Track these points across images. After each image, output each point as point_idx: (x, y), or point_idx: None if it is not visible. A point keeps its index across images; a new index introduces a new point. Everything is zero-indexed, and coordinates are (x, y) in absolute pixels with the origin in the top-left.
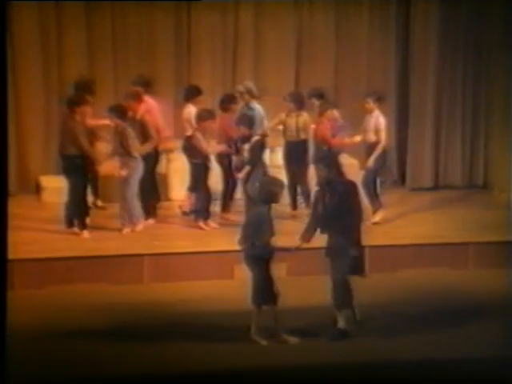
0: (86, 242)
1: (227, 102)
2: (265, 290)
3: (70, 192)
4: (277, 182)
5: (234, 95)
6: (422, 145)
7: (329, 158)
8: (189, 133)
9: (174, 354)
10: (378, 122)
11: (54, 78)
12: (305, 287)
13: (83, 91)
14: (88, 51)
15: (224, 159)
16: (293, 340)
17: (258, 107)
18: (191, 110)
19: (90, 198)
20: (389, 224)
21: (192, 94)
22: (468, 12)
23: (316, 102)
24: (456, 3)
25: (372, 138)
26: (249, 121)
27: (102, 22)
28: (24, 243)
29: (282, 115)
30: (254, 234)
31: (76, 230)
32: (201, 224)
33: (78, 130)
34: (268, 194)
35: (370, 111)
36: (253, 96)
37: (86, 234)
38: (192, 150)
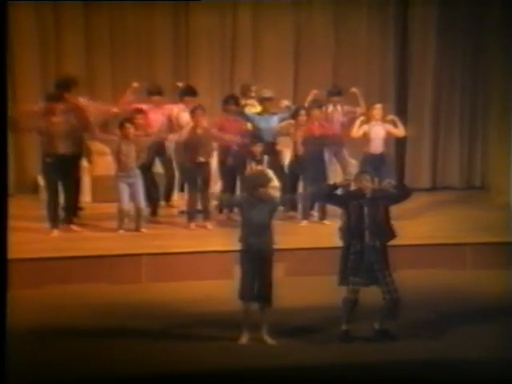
0: (85, 242)
1: (230, 102)
2: (251, 287)
3: (45, 190)
4: (260, 175)
5: (235, 96)
6: (421, 146)
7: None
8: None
9: (172, 354)
10: (387, 130)
11: (52, 79)
12: (303, 287)
13: (61, 89)
14: (86, 52)
15: (226, 170)
16: (271, 341)
17: (275, 119)
18: (179, 109)
19: (85, 198)
20: None
21: (185, 93)
22: (466, 13)
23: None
24: (454, 4)
25: (380, 148)
26: (262, 136)
27: (100, 22)
28: (22, 243)
29: (291, 128)
30: (250, 232)
31: (48, 227)
32: (190, 225)
33: (43, 129)
34: (251, 185)
35: (377, 119)
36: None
37: (55, 232)
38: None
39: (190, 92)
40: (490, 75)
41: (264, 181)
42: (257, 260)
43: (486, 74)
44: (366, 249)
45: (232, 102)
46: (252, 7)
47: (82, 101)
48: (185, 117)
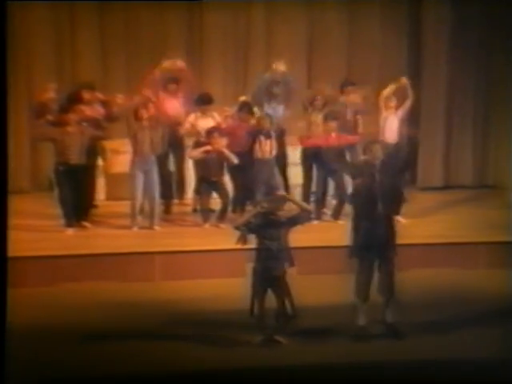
0: (98, 240)
1: (243, 109)
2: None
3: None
4: (280, 199)
5: (249, 103)
6: (433, 144)
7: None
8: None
9: (184, 353)
10: (398, 121)
11: (68, 77)
12: (316, 286)
13: (74, 102)
14: (101, 50)
15: (237, 173)
16: (283, 341)
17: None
18: (196, 116)
19: (99, 196)
20: (398, 223)
21: (201, 101)
22: (480, 10)
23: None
24: (468, 1)
25: (394, 139)
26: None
27: (114, 21)
28: (36, 240)
29: (304, 124)
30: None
31: (63, 227)
32: (205, 225)
33: (57, 138)
34: (270, 209)
35: (391, 110)
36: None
37: (70, 231)
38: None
39: (206, 100)
40: (504, 74)
41: (283, 204)
42: (269, 282)
43: (499, 72)
44: (378, 220)
45: (246, 110)
46: (266, 5)
47: (101, 96)
48: (202, 123)
